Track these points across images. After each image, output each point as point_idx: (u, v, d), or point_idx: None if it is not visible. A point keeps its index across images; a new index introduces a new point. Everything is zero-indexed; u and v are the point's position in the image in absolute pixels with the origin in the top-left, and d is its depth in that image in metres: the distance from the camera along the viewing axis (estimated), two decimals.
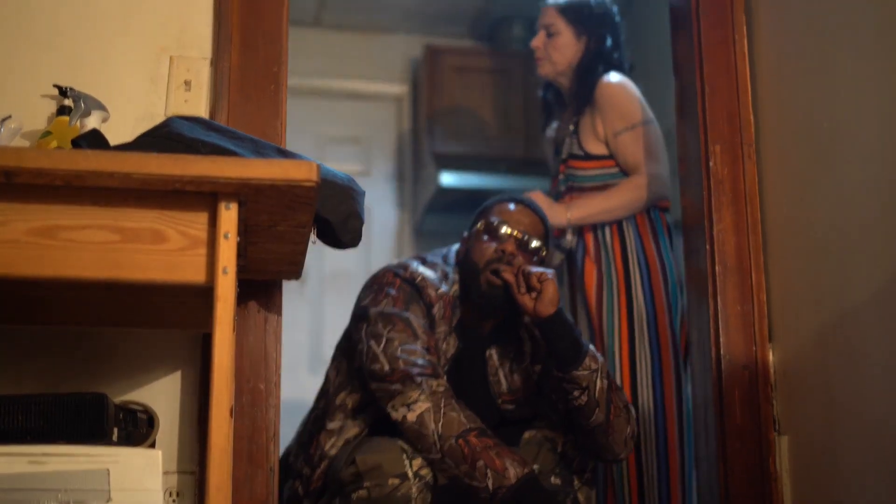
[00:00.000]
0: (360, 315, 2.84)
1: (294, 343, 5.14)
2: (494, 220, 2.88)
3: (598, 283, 3.58)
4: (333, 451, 2.76)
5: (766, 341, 2.93)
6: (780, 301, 2.94)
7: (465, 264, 2.88)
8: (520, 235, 2.86)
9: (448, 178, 5.22)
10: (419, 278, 2.85)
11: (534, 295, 2.70)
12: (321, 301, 5.50)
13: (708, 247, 2.97)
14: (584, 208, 3.62)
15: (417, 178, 5.76)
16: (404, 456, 2.60)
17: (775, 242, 2.97)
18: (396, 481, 2.57)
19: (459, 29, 5.96)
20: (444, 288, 2.84)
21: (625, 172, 3.68)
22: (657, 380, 3.46)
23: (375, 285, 2.87)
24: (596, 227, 3.65)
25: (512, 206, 2.94)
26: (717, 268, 2.95)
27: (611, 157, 3.68)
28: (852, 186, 2.63)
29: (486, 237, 2.87)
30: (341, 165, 5.12)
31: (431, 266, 2.91)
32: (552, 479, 2.79)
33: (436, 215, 5.53)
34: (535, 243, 2.86)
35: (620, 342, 3.49)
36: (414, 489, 2.58)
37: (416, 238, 5.71)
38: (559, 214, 3.60)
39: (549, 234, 2.97)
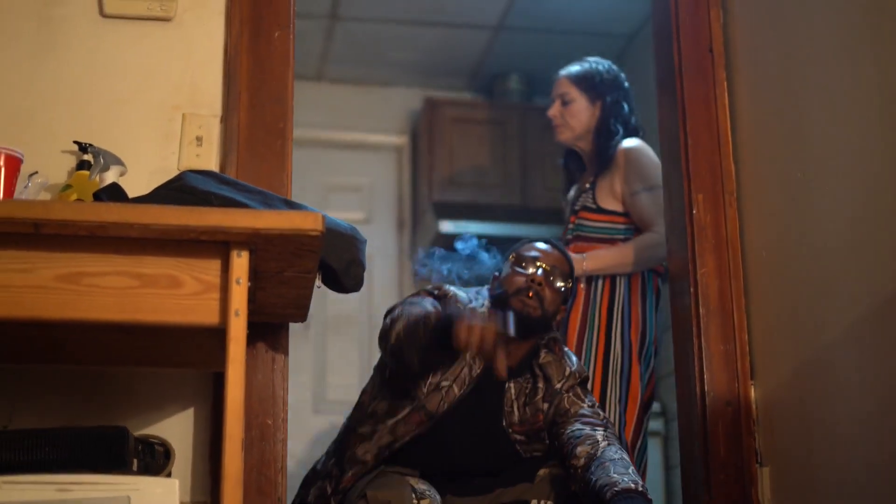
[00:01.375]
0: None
1: (298, 384, 5.20)
2: (526, 254, 3.04)
3: (581, 328, 3.72)
4: (368, 458, 2.84)
5: (748, 378, 3.03)
6: (760, 340, 3.04)
7: (497, 292, 3.02)
8: (548, 268, 3.00)
9: (447, 226, 5.31)
10: (450, 293, 2.99)
11: None
12: (324, 344, 5.58)
13: (692, 290, 3.09)
14: (600, 260, 3.75)
15: (417, 226, 5.85)
16: (413, 495, 2.67)
17: (756, 285, 3.08)
18: None
19: (458, 82, 6.09)
20: (474, 304, 2.98)
21: (632, 230, 3.83)
22: (622, 421, 3.59)
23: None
24: (591, 279, 3.78)
25: (542, 245, 3.08)
26: (700, 310, 3.06)
27: (623, 214, 3.84)
28: (824, 234, 2.76)
29: (517, 269, 3.02)
30: (343, 214, 5.26)
31: (464, 291, 3.06)
32: None
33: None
34: (560, 280, 3.00)
35: (593, 384, 3.61)
36: None
37: (416, 284, 5.80)
38: (577, 265, 3.73)
39: (573, 273, 3.11)
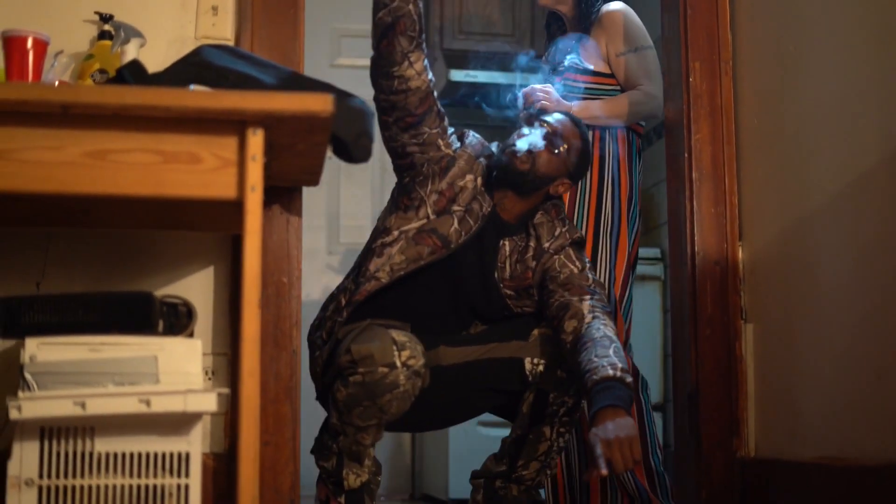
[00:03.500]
0: None
1: (313, 227, 5.38)
2: (535, 116, 3.15)
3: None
4: (381, 275, 2.94)
5: (736, 240, 3.17)
6: (749, 204, 3.16)
7: (501, 147, 3.12)
8: (551, 131, 3.07)
9: (457, 74, 5.32)
10: (464, 131, 3.14)
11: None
12: (338, 188, 5.65)
13: (686, 154, 3.20)
14: (586, 110, 3.69)
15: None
16: (394, 348, 2.76)
17: (747, 152, 3.18)
18: (386, 370, 2.73)
19: None
20: (483, 150, 3.11)
21: (619, 91, 3.77)
22: (611, 278, 3.60)
23: None
24: None
25: (556, 115, 3.16)
26: (693, 174, 3.18)
27: (609, 75, 3.79)
28: (812, 105, 2.85)
29: (524, 126, 3.12)
30: (355, 60, 5.34)
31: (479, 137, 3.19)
32: (558, 372, 2.96)
33: (446, 108, 5.65)
34: (560, 145, 3.05)
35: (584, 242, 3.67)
36: (402, 377, 2.75)
37: None
38: (564, 109, 3.77)
39: (587, 149, 3.16)
